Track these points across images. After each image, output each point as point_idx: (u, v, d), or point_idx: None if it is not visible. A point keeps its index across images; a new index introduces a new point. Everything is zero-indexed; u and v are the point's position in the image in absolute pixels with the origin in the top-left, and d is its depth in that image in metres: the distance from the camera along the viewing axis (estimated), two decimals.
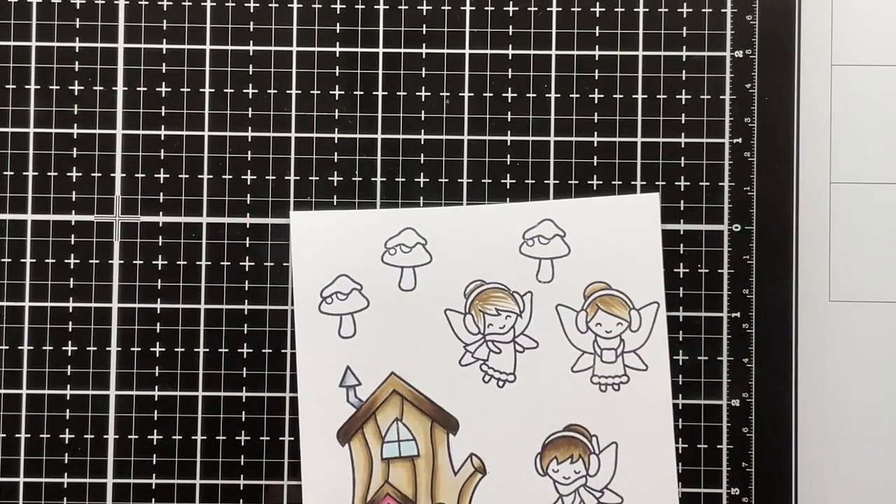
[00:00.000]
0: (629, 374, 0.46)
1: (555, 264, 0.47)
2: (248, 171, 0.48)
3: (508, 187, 0.48)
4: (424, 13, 0.48)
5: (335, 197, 0.48)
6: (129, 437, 0.47)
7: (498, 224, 0.47)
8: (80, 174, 0.48)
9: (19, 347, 0.47)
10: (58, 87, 0.48)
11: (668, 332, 0.47)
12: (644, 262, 0.47)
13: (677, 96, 0.48)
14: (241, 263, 0.48)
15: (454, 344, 0.47)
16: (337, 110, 0.48)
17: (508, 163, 0.48)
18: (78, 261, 0.48)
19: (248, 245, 0.48)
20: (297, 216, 0.47)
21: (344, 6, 0.48)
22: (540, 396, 0.46)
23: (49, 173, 0.48)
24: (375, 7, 0.48)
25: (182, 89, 0.48)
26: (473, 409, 0.46)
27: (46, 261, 0.48)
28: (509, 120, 0.48)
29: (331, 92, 0.48)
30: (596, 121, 0.48)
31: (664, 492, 0.46)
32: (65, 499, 0.47)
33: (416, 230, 0.47)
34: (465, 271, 0.47)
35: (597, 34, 0.48)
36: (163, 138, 0.48)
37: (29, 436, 0.47)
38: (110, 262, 0.48)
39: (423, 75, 0.48)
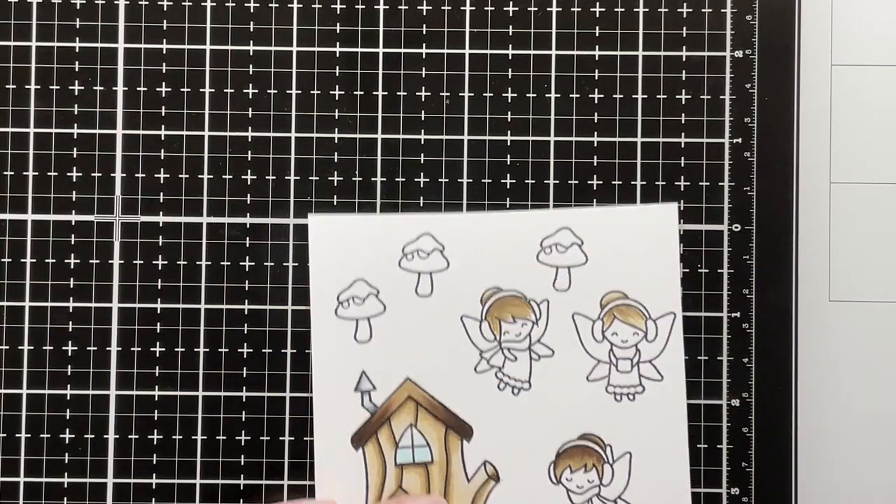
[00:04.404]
0: (644, 385, 0.46)
1: (572, 273, 0.46)
2: (248, 171, 0.48)
3: (508, 187, 0.48)
4: (424, 13, 0.48)
5: (335, 197, 0.48)
6: (130, 437, 0.47)
7: (516, 231, 0.47)
8: (80, 174, 0.48)
9: (19, 347, 0.47)
10: (58, 87, 0.48)
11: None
12: (661, 272, 0.46)
13: (677, 96, 0.48)
14: (241, 263, 0.48)
15: (470, 350, 0.46)
16: (337, 110, 0.48)
17: (508, 163, 0.48)
18: (78, 261, 0.48)
19: (248, 245, 0.48)
20: (315, 219, 0.47)
21: (344, 6, 0.48)
22: (555, 405, 0.46)
23: (49, 173, 0.48)
24: (375, 7, 0.48)
25: (182, 89, 0.48)
26: (488, 417, 0.46)
27: (46, 261, 0.48)
28: (509, 120, 0.48)
29: (331, 92, 0.48)
30: (596, 121, 0.48)
31: (678, 502, 0.46)
32: (65, 498, 0.47)
33: (434, 236, 0.47)
34: (482, 278, 0.47)
35: (597, 34, 0.48)
36: (163, 138, 0.48)
37: (29, 436, 0.47)
38: (110, 262, 0.48)
39: (423, 75, 0.48)
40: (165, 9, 0.48)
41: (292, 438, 0.47)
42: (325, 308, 0.46)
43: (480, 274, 0.47)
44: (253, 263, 0.48)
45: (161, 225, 0.48)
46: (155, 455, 0.47)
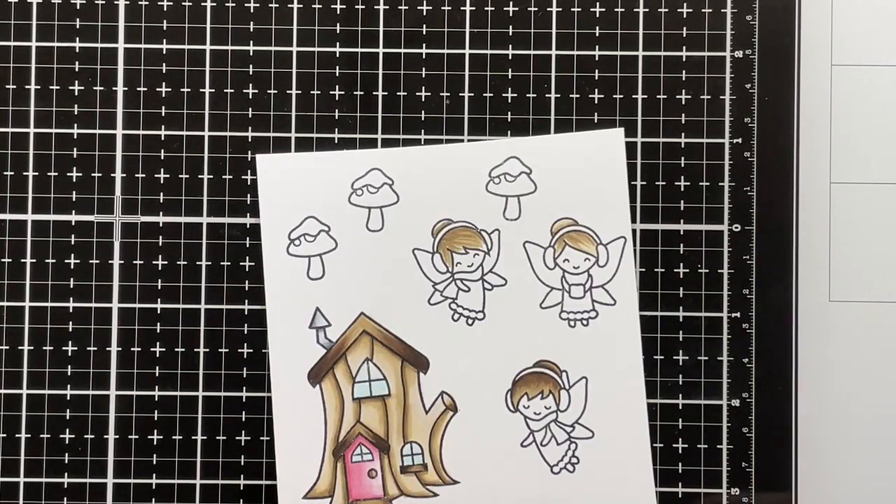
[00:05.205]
0: (597, 309, 0.47)
1: (521, 202, 0.47)
2: (248, 171, 0.48)
3: None
4: (424, 13, 0.48)
5: None
6: (130, 437, 0.47)
7: (464, 162, 0.47)
8: (80, 174, 0.48)
9: (19, 347, 0.47)
10: (58, 87, 0.48)
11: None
12: (610, 197, 0.47)
13: (677, 96, 0.48)
14: (242, 263, 0.48)
15: (423, 283, 0.47)
16: (337, 110, 0.48)
17: None
18: (78, 261, 0.48)
19: (247, 245, 0.48)
20: (262, 159, 0.47)
21: (344, 6, 0.48)
22: (509, 333, 0.47)
23: (49, 173, 0.48)
24: (375, 7, 0.48)
25: (182, 89, 0.48)
26: (443, 348, 0.47)
27: (46, 261, 0.48)
28: (509, 120, 0.48)
29: (331, 92, 0.48)
30: (596, 120, 0.48)
31: (634, 424, 0.46)
32: (65, 499, 0.47)
33: (383, 170, 0.47)
34: (433, 210, 0.47)
35: (597, 34, 0.48)
36: (163, 138, 0.48)
37: (29, 436, 0.47)
38: (110, 262, 0.48)
39: (423, 75, 0.48)
40: (165, 9, 0.48)
41: None
42: (276, 246, 0.47)
43: (430, 206, 0.47)
44: (253, 263, 0.48)
45: (161, 225, 0.48)
46: (155, 455, 0.47)
